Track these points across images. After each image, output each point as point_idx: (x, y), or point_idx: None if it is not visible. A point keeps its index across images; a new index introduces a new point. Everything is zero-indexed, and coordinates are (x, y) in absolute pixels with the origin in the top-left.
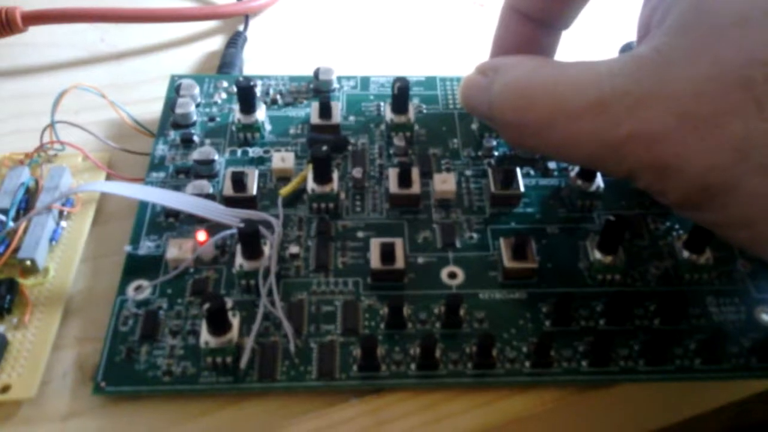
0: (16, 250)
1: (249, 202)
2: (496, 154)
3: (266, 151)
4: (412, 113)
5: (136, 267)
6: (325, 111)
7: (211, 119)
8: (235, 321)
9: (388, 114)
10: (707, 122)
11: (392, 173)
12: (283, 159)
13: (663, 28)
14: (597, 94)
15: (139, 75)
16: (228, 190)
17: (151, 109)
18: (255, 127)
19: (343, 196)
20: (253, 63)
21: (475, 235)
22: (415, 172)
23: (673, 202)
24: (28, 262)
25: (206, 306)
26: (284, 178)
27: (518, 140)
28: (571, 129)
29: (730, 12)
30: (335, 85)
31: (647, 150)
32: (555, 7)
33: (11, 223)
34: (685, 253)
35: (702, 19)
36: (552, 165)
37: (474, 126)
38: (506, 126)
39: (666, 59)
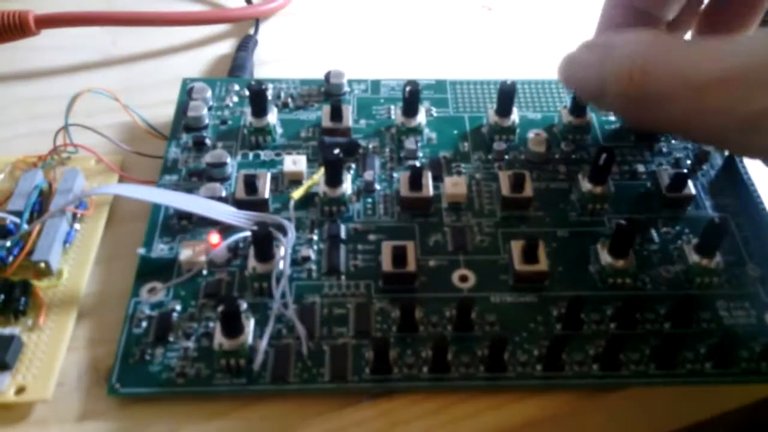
0: (30, 252)
1: (261, 205)
2: (506, 157)
3: (278, 154)
4: (422, 116)
5: (149, 269)
6: (336, 114)
7: (223, 122)
8: (248, 323)
9: (399, 117)
10: None
11: (403, 176)
12: (294, 162)
13: None
14: (728, 67)
15: (151, 78)
16: (240, 192)
17: (164, 112)
18: (266, 130)
19: (354, 199)
20: (264, 66)
21: (486, 239)
22: (426, 176)
23: None
24: (42, 265)
25: (220, 308)
26: (296, 181)
27: (636, 114)
28: (698, 102)
29: None
30: (346, 88)
31: None
32: None
33: (25, 226)
34: (696, 257)
35: None
36: (562, 169)
37: (484, 129)
38: (624, 100)
39: None
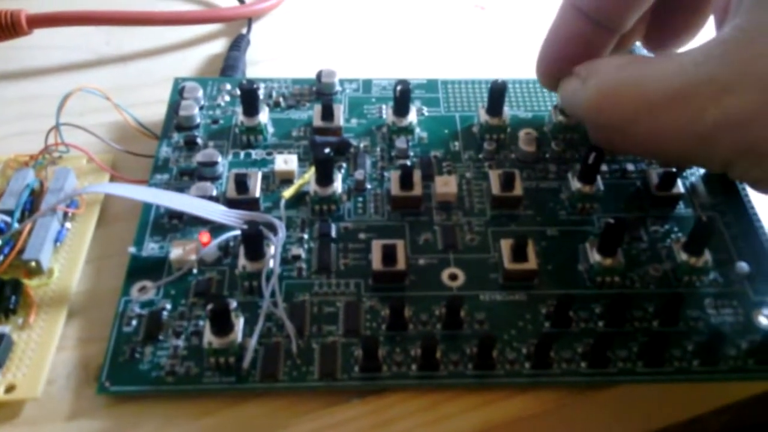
0: (21, 251)
1: (252, 204)
2: (497, 156)
3: (269, 154)
4: (413, 116)
5: (139, 268)
6: (328, 113)
7: (215, 122)
8: (238, 322)
9: (390, 117)
10: None
11: (394, 175)
12: (285, 161)
13: (742, 7)
14: (679, 84)
15: (143, 77)
16: (231, 192)
17: (155, 112)
18: (258, 130)
19: (345, 198)
20: (256, 66)
21: (476, 237)
22: (417, 175)
23: None
24: (33, 263)
25: (210, 307)
26: (287, 180)
27: (606, 141)
28: (656, 123)
29: None
30: (337, 87)
31: (739, 135)
32: (614, 8)
33: (16, 225)
34: (684, 256)
35: None
36: (552, 168)
37: (475, 129)
38: (595, 127)
39: (749, 37)
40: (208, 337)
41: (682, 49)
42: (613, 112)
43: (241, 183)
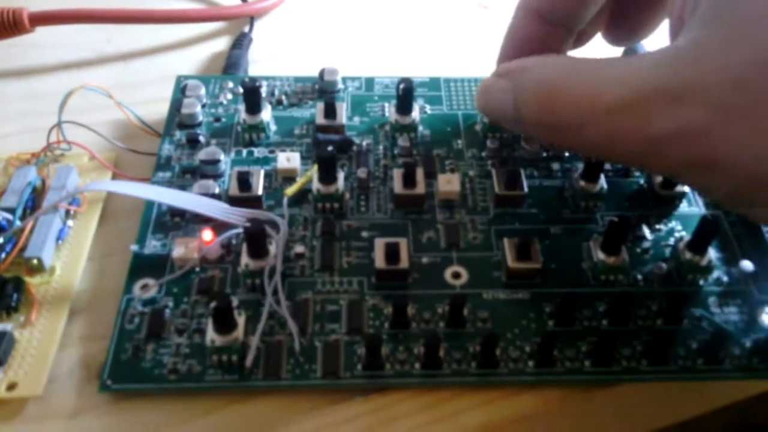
0: (23, 249)
1: (254, 202)
2: (500, 155)
3: (271, 151)
4: (416, 114)
5: (142, 266)
6: (330, 111)
7: (217, 119)
8: (240, 320)
9: (393, 115)
10: (749, 111)
11: (397, 174)
12: (288, 159)
13: (696, 19)
14: (633, 89)
15: (145, 75)
16: (234, 189)
17: (157, 110)
18: (260, 128)
19: (347, 196)
20: (258, 64)
21: (479, 236)
22: (420, 173)
23: (723, 198)
24: (35, 261)
25: (213, 304)
26: (289, 178)
27: (551, 139)
28: (606, 125)
29: None
30: (340, 85)
31: (688, 146)
32: (566, 8)
33: (18, 222)
34: (688, 254)
35: (736, 5)
36: (555, 166)
37: (478, 127)
38: (538, 126)
39: (703, 50)
40: (211, 335)
41: (644, 45)
42: (560, 112)
43: (244, 181)
